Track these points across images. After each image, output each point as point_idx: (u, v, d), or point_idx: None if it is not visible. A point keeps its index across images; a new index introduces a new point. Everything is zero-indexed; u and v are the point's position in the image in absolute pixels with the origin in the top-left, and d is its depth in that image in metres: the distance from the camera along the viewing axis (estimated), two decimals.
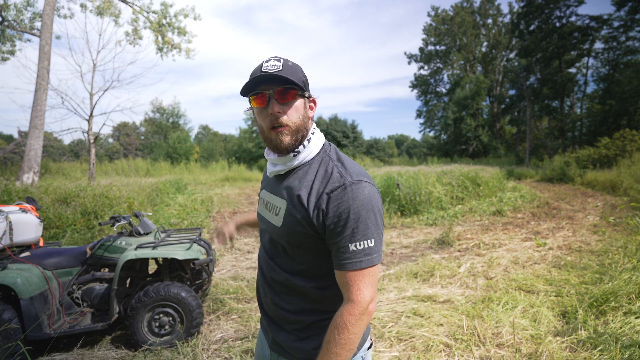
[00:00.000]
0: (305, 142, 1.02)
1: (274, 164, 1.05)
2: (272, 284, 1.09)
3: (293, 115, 0.98)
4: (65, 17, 12.74)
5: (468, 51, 37.84)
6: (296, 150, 1.01)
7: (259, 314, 1.24)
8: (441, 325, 3.10)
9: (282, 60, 0.97)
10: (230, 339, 3.05)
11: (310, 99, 1.05)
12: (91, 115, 11.03)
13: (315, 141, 1.04)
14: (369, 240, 0.89)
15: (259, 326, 1.30)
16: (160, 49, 13.06)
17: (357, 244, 0.89)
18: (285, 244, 1.01)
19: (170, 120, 35.83)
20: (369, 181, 0.94)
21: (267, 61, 0.97)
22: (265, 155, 1.11)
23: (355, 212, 0.88)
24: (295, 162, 1.01)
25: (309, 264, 1.00)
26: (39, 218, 3.07)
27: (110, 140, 26.92)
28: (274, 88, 0.96)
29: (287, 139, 0.97)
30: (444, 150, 36.32)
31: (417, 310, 3.35)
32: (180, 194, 12.02)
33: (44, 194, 6.65)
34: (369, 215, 0.89)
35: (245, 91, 0.99)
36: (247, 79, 1.02)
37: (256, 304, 3.73)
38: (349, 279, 0.89)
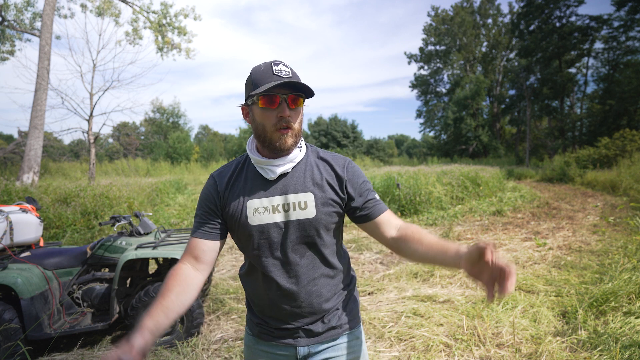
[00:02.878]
0: (302, 142, 1.15)
1: (278, 165, 1.09)
2: (304, 281, 1.11)
3: (297, 120, 1.08)
4: (65, 17, 12.77)
5: (468, 51, 37.84)
6: (299, 146, 1.13)
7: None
8: (441, 325, 3.10)
9: (288, 66, 1.05)
10: (230, 339, 3.05)
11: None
12: (91, 115, 11.04)
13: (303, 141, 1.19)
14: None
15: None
16: (160, 49, 13.06)
17: (375, 194, 1.18)
18: (319, 229, 1.10)
19: (170, 120, 35.85)
20: None
21: (276, 65, 1.03)
22: (260, 160, 1.10)
23: (364, 176, 1.19)
24: (300, 157, 1.13)
25: (332, 239, 1.15)
26: (39, 218, 3.07)
27: (110, 140, 26.91)
28: (287, 93, 1.03)
29: (290, 141, 1.07)
30: (444, 150, 36.33)
31: (417, 310, 3.35)
32: (180, 194, 12.02)
33: (44, 194, 6.66)
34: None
35: (254, 89, 1.04)
36: (247, 79, 1.09)
37: None
38: (389, 214, 1.15)
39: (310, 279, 1.12)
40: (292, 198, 1.09)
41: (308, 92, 1.06)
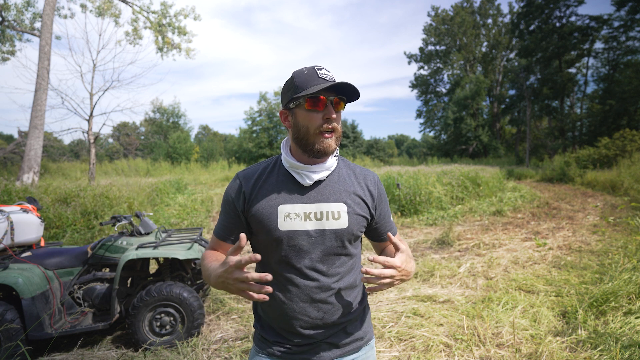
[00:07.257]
0: (337, 149, 1.13)
1: (315, 171, 1.08)
2: (330, 292, 1.08)
3: (339, 123, 1.08)
4: (65, 17, 12.75)
5: (468, 51, 37.84)
6: (335, 155, 1.14)
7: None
8: (441, 325, 3.10)
9: (329, 71, 1.08)
10: (230, 339, 3.05)
11: None
12: (91, 115, 11.03)
13: None
14: None
15: None
16: (160, 49, 13.05)
17: (391, 216, 1.27)
18: (349, 240, 1.10)
19: (170, 120, 35.84)
20: None
21: (319, 69, 1.05)
22: (297, 164, 1.07)
23: (386, 196, 1.25)
24: (335, 165, 1.13)
25: (356, 250, 1.17)
26: (40, 218, 3.08)
27: (110, 140, 26.93)
28: (333, 95, 1.04)
29: (333, 144, 1.07)
30: (444, 150, 36.32)
31: (417, 310, 3.35)
32: (180, 194, 12.02)
33: (44, 194, 6.66)
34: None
35: (297, 92, 1.04)
36: (286, 83, 1.10)
37: None
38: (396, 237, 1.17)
39: (336, 290, 1.09)
40: (325, 207, 1.07)
41: (351, 95, 1.07)
